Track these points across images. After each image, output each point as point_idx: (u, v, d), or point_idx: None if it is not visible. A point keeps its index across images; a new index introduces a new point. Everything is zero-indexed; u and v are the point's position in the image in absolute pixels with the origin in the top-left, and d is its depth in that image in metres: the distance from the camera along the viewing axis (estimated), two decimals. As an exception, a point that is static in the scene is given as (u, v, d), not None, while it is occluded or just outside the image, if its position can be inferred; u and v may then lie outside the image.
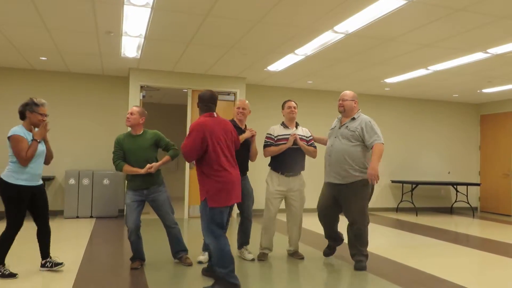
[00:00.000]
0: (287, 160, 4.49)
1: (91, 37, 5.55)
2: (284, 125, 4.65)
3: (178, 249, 4.30)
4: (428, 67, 6.76)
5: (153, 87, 7.63)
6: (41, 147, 3.85)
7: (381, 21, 4.63)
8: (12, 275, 3.70)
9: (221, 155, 3.41)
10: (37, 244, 3.96)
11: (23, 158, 3.63)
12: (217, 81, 7.82)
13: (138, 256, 4.17)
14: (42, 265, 3.94)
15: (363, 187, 4.18)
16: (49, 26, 5.10)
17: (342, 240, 4.67)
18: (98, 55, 6.47)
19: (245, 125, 4.59)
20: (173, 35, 5.41)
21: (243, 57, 6.42)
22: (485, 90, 8.57)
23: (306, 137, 4.64)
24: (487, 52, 5.77)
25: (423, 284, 3.80)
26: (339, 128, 4.34)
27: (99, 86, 7.94)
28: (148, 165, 4.04)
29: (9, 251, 3.72)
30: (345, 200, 4.23)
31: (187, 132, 3.52)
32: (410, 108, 9.84)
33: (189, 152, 3.38)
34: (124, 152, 4.12)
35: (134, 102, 7.38)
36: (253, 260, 4.50)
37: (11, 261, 3.95)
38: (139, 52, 6.25)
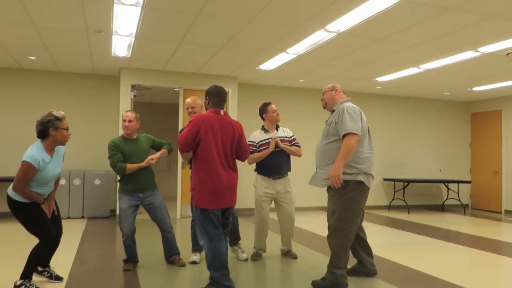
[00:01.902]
0: (272, 163, 4.46)
1: (81, 36, 5.49)
2: (264, 129, 4.60)
3: (171, 253, 4.27)
4: (419, 66, 6.79)
5: (144, 86, 7.58)
6: (57, 171, 3.43)
7: (373, 20, 4.64)
8: None
9: (213, 156, 3.26)
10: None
11: (17, 188, 3.20)
12: (209, 80, 7.78)
13: (131, 259, 4.14)
14: (38, 272, 3.59)
15: (340, 190, 3.44)
16: (38, 25, 5.03)
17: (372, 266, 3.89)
18: (88, 54, 6.40)
19: None
20: (164, 34, 5.37)
21: (234, 56, 6.39)
22: (475, 88, 8.63)
23: (288, 137, 4.59)
24: (478, 51, 5.81)
25: (415, 282, 3.81)
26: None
27: (89, 86, 7.86)
28: (150, 156, 4.09)
29: (28, 249, 3.40)
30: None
31: (179, 130, 3.47)
32: (402, 106, 9.88)
33: (183, 144, 3.27)
34: (123, 156, 4.05)
35: (125, 101, 7.33)
36: (246, 260, 4.49)
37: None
38: (130, 51, 6.19)
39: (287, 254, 4.69)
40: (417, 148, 9.98)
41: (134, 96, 7.52)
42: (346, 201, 3.45)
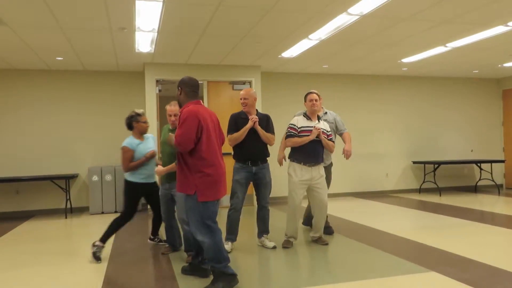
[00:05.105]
0: (309, 151, 4.48)
1: (105, 35, 5.59)
2: (307, 116, 4.62)
3: (189, 250, 4.19)
4: (447, 44, 6.60)
5: (169, 80, 7.66)
6: (149, 150, 4.38)
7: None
8: (98, 259, 4.18)
9: (214, 147, 3.30)
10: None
11: (124, 167, 4.29)
12: (232, 71, 7.81)
13: (170, 242, 4.47)
14: (151, 239, 4.90)
15: (331, 166, 5.21)
16: (63, 26, 5.15)
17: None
18: (112, 52, 6.51)
19: (259, 112, 4.62)
20: (185, 28, 5.40)
21: (256, 45, 6.38)
22: (506, 64, 8.34)
23: (327, 131, 4.61)
24: (508, 25, 5.59)
25: (449, 265, 3.76)
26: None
27: (115, 83, 8.01)
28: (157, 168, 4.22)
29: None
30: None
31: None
32: (429, 87, 9.65)
33: (186, 141, 3.15)
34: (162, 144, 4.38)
35: (151, 96, 7.44)
36: (274, 247, 4.52)
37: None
38: (153, 46, 6.27)
39: (318, 241, 4.71)
40: (446, 128, 9.75)
41: (159, 91, 7.62)
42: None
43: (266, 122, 4.54)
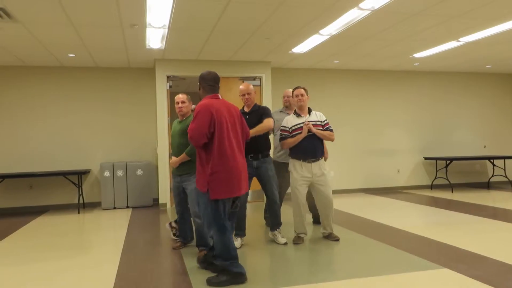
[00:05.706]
0: (306, 148, 4.47)
1: (116, 31, 5.62)
2: (296, 114, 4.61)
3: (200, 244, 4.16)
4: (459, 39, 6.52)
5: (179, 76, 7.69)
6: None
7: (408, -6, 4.49)
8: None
9: (227, 140, 3.22)
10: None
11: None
12: (242, 67, 7.80)
13: (182, 235, 4.49)
14: (170, 225, 4.81)
15: None
16: (75, 22, 5.19)
17: None
18: (123, 48, 6.55)
19: (256, 105, 4.57)
20: (196, 24, 5.41)
21: (267, 41, 6.36)
22: (520, 59, 8.22)
23: (321, 121, 4.59)
24: (523, 19, 5.51)
25: (462, 262, 3.73)
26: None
27: (126, 79, 8.06)
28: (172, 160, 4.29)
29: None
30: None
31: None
32: (441, 82, 9.55)
33: (198, 135, 3.12)
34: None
35: (161, 92, 7.47)
36: (286, 244, 4.53)
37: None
38: (164, 42, 6.29)
39: (329, 237, 4.70)
40: (459, 124, 9.65)
41: (170, 87, 7.65)
42: None
43: (260, 114, 4.42)
